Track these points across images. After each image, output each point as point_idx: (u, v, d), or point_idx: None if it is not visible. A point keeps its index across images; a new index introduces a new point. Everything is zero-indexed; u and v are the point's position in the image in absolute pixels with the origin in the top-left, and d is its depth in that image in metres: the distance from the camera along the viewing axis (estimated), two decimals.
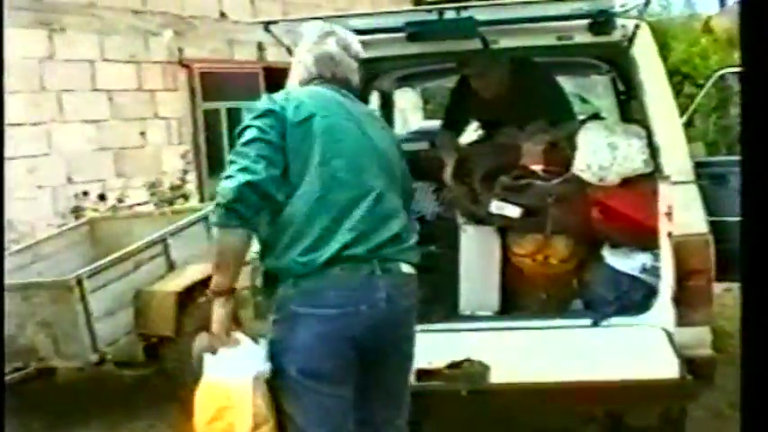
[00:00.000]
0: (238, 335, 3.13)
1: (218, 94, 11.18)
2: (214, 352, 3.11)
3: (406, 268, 3.21)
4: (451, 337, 4.23)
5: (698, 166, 4.26)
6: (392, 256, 3.15)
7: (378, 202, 3.16)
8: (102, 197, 9.04)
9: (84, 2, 9.51)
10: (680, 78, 14.24)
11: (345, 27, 3.53)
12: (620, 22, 4.20)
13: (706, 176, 4.33)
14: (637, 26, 4.18)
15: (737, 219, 4.25)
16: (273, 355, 3.10)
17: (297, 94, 3.25)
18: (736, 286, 6.93)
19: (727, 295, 7.15)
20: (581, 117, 5.19)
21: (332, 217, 3.08)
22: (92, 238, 7.29)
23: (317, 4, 11.78)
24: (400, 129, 7.14)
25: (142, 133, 10.18)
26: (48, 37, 9.15)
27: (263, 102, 3.19)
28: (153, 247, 6.32)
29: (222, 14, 11.22)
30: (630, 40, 4.20)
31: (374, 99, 6.53)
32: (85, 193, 9.03)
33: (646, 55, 4.25)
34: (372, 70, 5.49)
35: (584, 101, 8.22)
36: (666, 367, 3.82)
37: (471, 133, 4.91)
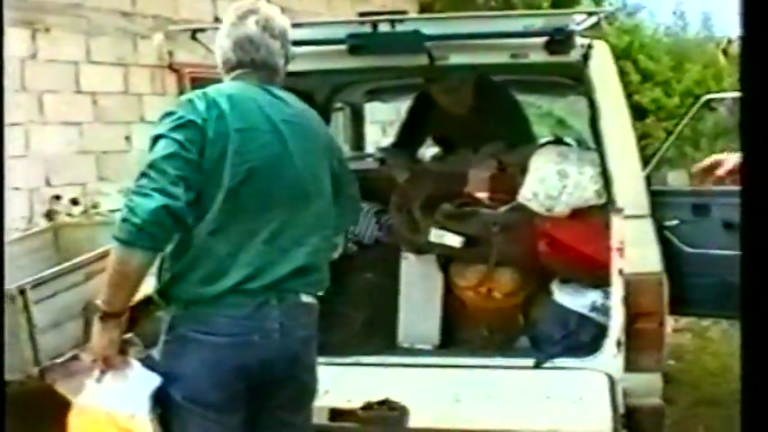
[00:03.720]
0: (129, 358, 2.90)
1: None
2: (99, 379, 2.88)
3: (306, 297, 2.96)
4: (382, 373, 3.94)
5: (679, 195, 4.07)
6: (291, 288, 2.92)
7: (281, 232, 2.90)
8: (74, 202, 8.75)
9: (70, 2, 9.27)
10: (692, 100, 13.92)
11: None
12: (579, 41, 3.92)
13: (687, 206, 4.10)
14: (590, 45, 3.88)
15: (725, 252, 4.09)
16: (160, 377, 2.88)
17: (217, 97, 2.88)
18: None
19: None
20: (543, 141, 4.87)
21: (230, 248, 2.83)
22: (56, 244, 7.02)
23: (316, 11, 11.50)
24: (374, 144, 6.87)
25: (127, 137, 9.92)
26: (31, 36, 8.92)
27: (185, 108, 2.85)
28: (106, 257, 6.04)
29: (216, 19, 10.94)
30: (585, 58, 3.90)
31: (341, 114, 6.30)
32: (57, 197, 8.76)
33: (602, 75, 3.95)
34: (331, 82, 5.28)
35: (560, 123, 7.85)
36: (598, 420, 3.49)
37: (426, 151, 4.63)
